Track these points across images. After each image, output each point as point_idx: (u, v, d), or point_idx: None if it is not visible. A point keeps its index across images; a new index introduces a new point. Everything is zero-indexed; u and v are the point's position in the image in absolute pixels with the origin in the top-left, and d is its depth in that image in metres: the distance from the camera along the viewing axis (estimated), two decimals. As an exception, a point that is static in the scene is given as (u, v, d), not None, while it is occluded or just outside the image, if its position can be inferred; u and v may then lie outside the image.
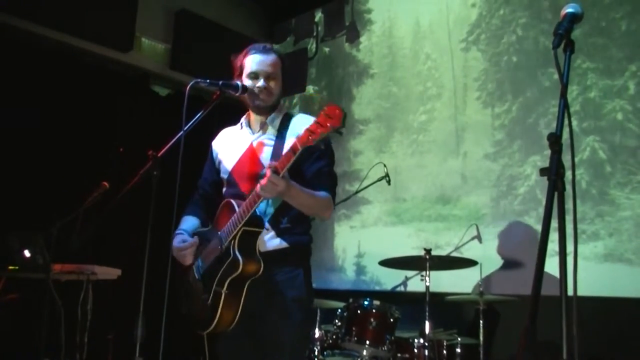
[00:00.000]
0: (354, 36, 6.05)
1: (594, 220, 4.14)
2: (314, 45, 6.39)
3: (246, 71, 2.48)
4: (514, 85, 4.78)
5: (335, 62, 6.19)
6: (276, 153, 2.38)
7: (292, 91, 6.11)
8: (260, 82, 2.46)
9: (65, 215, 3.42)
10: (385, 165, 4.44)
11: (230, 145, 2.61)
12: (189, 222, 2.61)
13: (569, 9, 1.73)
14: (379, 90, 5.77)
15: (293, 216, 2.39)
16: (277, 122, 2.51)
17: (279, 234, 2.39)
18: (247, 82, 2.47)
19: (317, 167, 2.42)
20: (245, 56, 2.50)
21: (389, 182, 4.50)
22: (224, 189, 2.57)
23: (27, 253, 3.69)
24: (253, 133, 2.54)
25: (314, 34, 6.41)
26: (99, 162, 4.92)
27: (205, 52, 5.75)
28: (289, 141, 2.31)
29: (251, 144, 2.52)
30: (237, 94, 2.46)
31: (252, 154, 2.50)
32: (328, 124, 1.99)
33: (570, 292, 1.44)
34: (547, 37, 4.52)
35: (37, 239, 3.63)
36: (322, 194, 2.37)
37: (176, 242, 2.49)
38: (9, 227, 3.98)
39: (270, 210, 2.40)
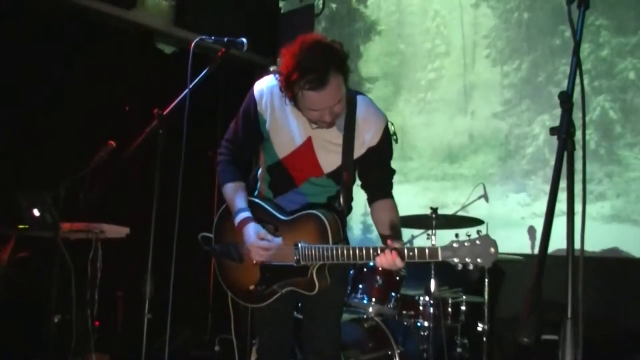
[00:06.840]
0: (361, -8, 5.92)
1: (602, 180, 4.12)
2: (321, 2, 6.27)
3: (303, 104, 2.08)
4: (524, 43, 4.68)
5: (343, 18, 6.08)
6: (346, 163, 2.25)
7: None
8: (326, 117, 2.10)
9: (72, 174, 3.43)
10: (392, 124, 4.37)
11: (282, 125, 2.27)
12: (244, 198, 2.34)
13: (584, -37, 1.68)
14: (386, 47, 5.68)
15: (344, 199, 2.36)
16: (342, 120, 2.21)
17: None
18: (307, 113, 2.12)
19: (388, 174, 2.40)
20: (296, 84, 2.01)
21: (396, 140, 4.43)
22: (268, 167, 2.39)
23: (36, 212, 3.71)
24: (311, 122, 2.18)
25: (321, -11, 6.28)
26: (104, 121, 4.90)
27: (211, 9, 5.65)
28: (358, 145, 2.24)
29: (309, 138, 2.25)
30: (243, 51, 2.41)
31: (309, 152, 2.27)
32: None
33: (577, 252, 1.44)
34: (560, -7, 4.41)
35: (45, 198, 3.64)
36: (395, 210, 2.33)
37: (253, 232, 2.21)
38: (18, 187, 4.01)
39: (324, 199, 2.38)
